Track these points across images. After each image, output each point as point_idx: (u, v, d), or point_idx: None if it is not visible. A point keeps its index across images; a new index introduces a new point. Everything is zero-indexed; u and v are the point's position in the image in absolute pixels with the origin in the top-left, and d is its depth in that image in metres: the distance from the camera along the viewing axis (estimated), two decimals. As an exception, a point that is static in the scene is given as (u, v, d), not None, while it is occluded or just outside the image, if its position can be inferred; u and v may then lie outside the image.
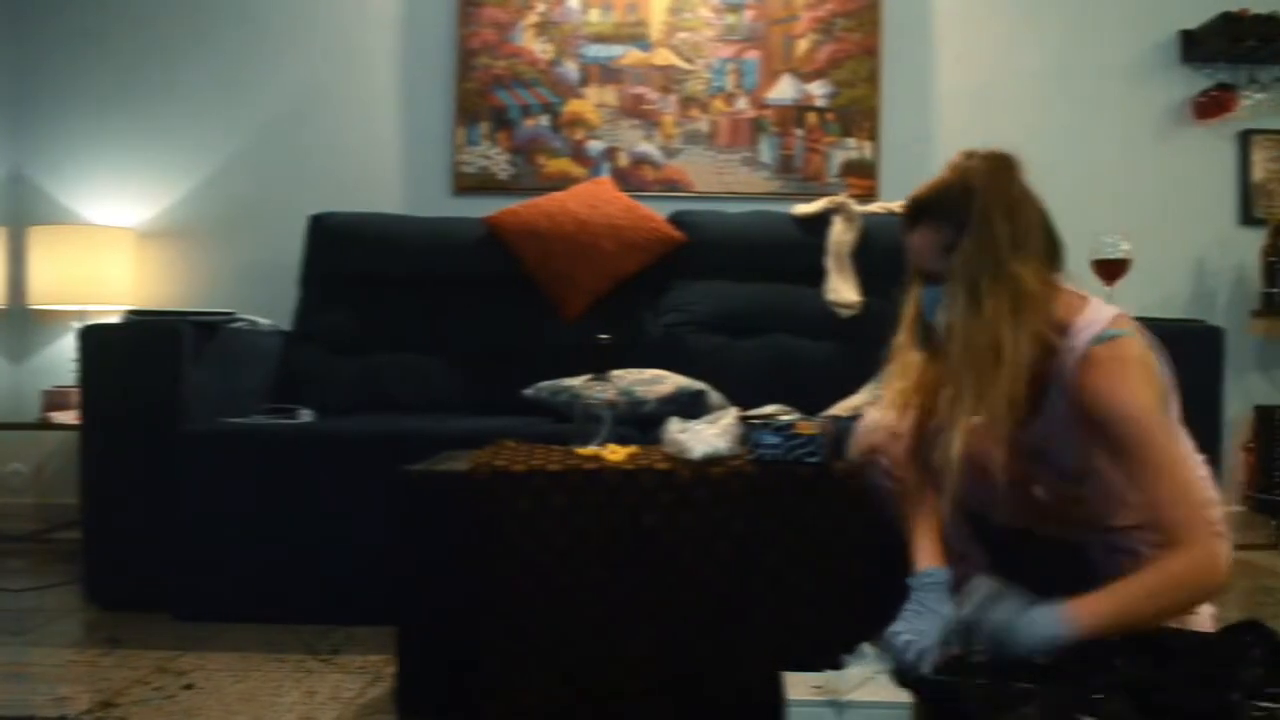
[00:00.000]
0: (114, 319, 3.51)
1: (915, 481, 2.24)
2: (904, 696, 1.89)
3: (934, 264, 2.08)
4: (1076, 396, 2.04)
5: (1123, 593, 1.94)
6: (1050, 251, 2.09)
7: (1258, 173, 4.62)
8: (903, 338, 2.23)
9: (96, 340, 3.25)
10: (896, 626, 2.04)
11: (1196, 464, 2.05)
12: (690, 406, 3.24)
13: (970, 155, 2.11)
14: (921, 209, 2.10)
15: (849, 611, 2.20)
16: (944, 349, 2.07)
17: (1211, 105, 4.55)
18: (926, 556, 2.14)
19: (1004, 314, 2.00)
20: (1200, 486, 2.02)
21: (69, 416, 3.97)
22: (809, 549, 2.20)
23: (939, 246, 2.06)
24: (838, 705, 1.88)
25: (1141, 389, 1.99)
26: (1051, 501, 2.29)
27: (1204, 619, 2.15)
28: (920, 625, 2.03)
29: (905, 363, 2.22)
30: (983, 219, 2.01)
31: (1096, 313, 2.08)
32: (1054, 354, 2.07)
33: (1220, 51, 4.52)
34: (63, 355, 4.44)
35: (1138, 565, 2.04)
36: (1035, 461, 2.23)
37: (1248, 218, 4.62)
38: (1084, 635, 1.85)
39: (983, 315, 2.00)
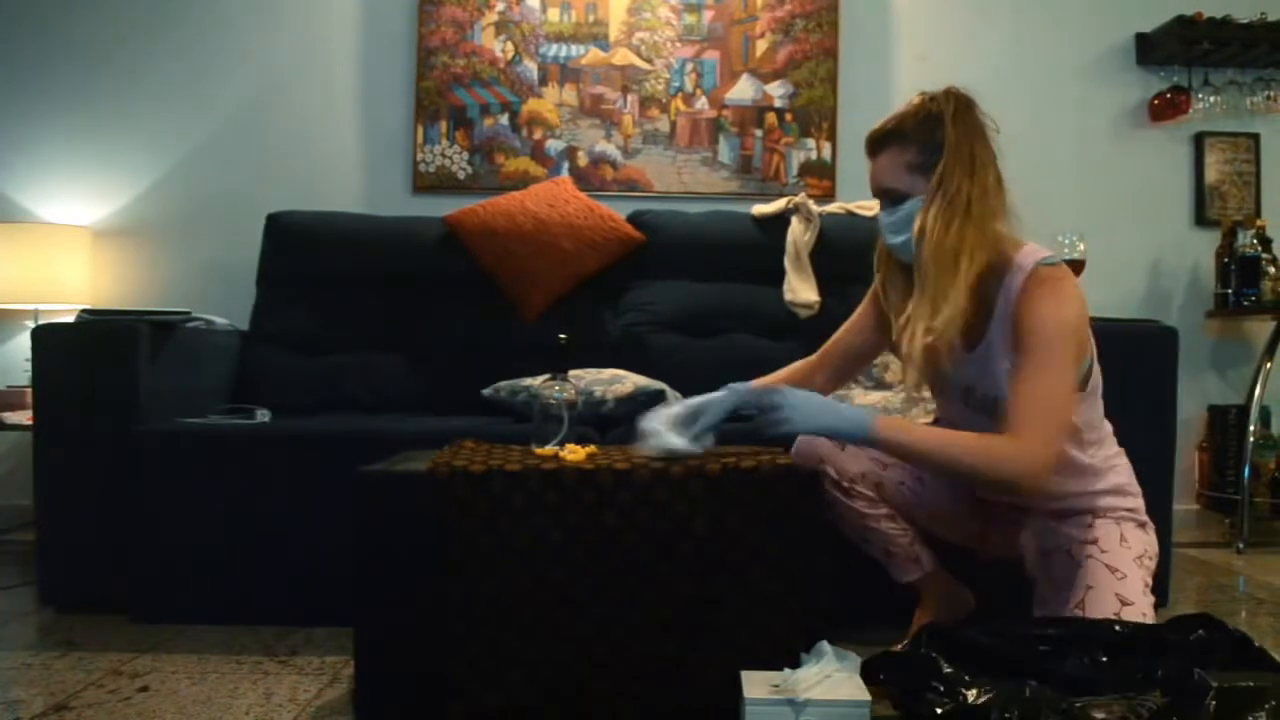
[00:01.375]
0: (69, 318, 3.48)
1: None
2: (863, 694, 1.90)
3: (897, 182, 2.24)
4: (1014, 311, 2.15)
5: (937, 434, 2.20)
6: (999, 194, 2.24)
7: (1212, 175, 4.68)
8: (877, 264, 2.47)
9: (51, 340, 3.22)
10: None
11: (1067, 403, 2.14)
12: (649, 406, 3.23)
13: (929, 93, 2.27)
14: (888, 133, 2.25)
15: (809, 610, 2.21)
16: (914, 255, 2.23)
17: (1166, 107, 4.59)
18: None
19: (971, 225, 2.15)
20: (1055, 409, 2.10)
21: (22, 417, 3.93)
22: (770, 548, 2.21)
23: (902, 165, 2.22)
24: (795, 704, 1.89)
25: (1066, 312, 2.11)
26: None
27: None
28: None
29: (890, 286, 2.44)
30: (961, 139, 2.19)
31: (1037, 249, 2.21)
32: (999, 278, 2.19)
33: (1175, 54, 4.58)
34: (16, 355, 4.40)
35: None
36: (966, 401, 2.34)
37: (1202, 219, 4.68)
38: (878, 440, 2.14)
39: (954, 223, 2.14)
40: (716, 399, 2.36)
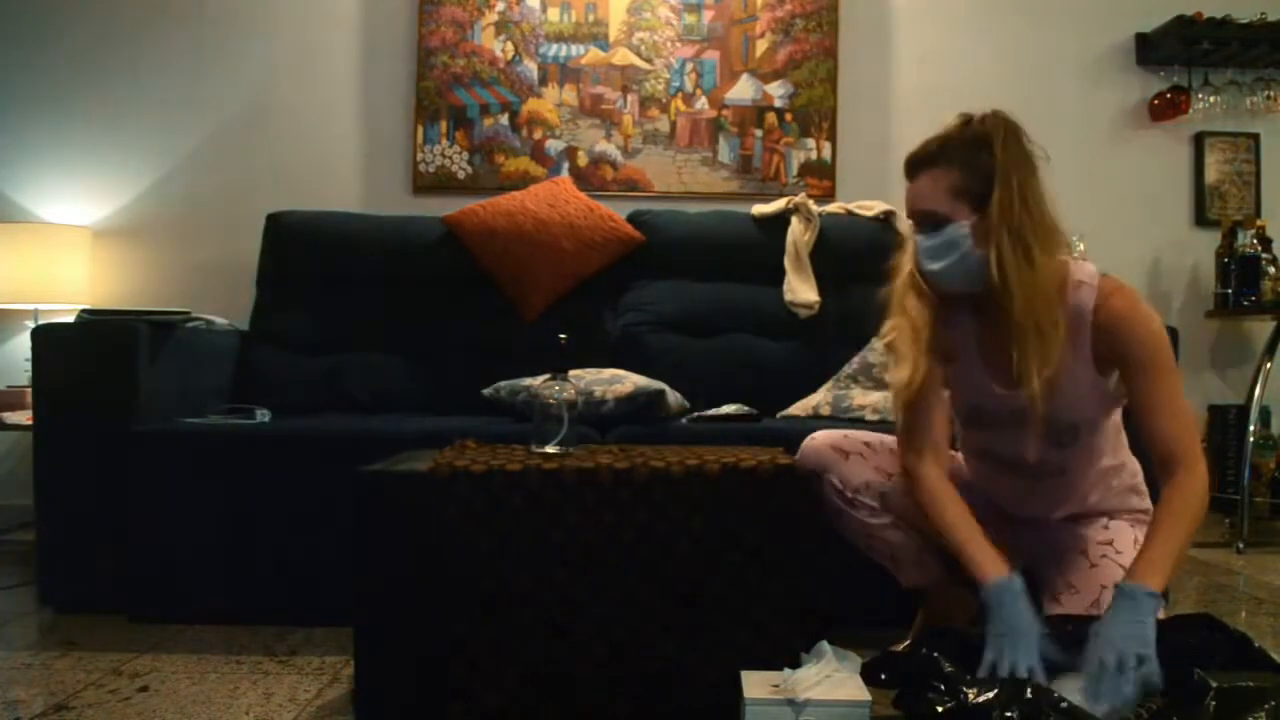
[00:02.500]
0: (69, 318, 3.48)
1: (939, 485, 2.32)
2: (863, 694, 1.90)
3: (938, 205, 2.16)
4: (1099, 324, 2.15)
5: (1166, 534, 2.04)
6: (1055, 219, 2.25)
7: (1211, 174, 4.68)
8: (901, 291, 2.32)
9: (50, 340, 3.21)
10: (988, 655, 2.00)
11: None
12: (649, 406, 3.24)
13: (972, 115, 2.21)
14: (931, 154, 2.19)
15: (809, 610, 2.21)
16: (995, 303, 2.17)
17: (1166, 107, 4.59)
18: (991, 564, 2.12)
19: (1052, 266, 2.14)
20: (1194, 417, 2.18)
21: (22, 417, 3.93)
22: (769, 548, 2.21)
23: (944, 189, 2.16)
24: (795, 704, 1.89)
25: (1155, 316, 2.15)
26: (1036, 469, 2.35)
27: None
28: (1012, 646, 2.01)
29: (910, 318, 2.29)
30: (1013, 167, 2.14)
31: (1080, 262, 2.23)
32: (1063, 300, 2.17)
33: (1175, 54, 4.57)
34: (16, 355, 4.40)
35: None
36: (1047, 434, 2.28)
37: (1202, 219, 4.68)
38: (1168, 593, 2.05)
39: (1036, 267, 2.11)
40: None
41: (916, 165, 2.21)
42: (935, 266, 2.20)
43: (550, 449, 2.39)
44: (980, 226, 2.14)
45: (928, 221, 2.19)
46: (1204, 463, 2.10)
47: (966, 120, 2.20)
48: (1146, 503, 2.35)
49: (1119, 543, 2.25)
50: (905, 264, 2.32)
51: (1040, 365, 2.11)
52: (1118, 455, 2.35)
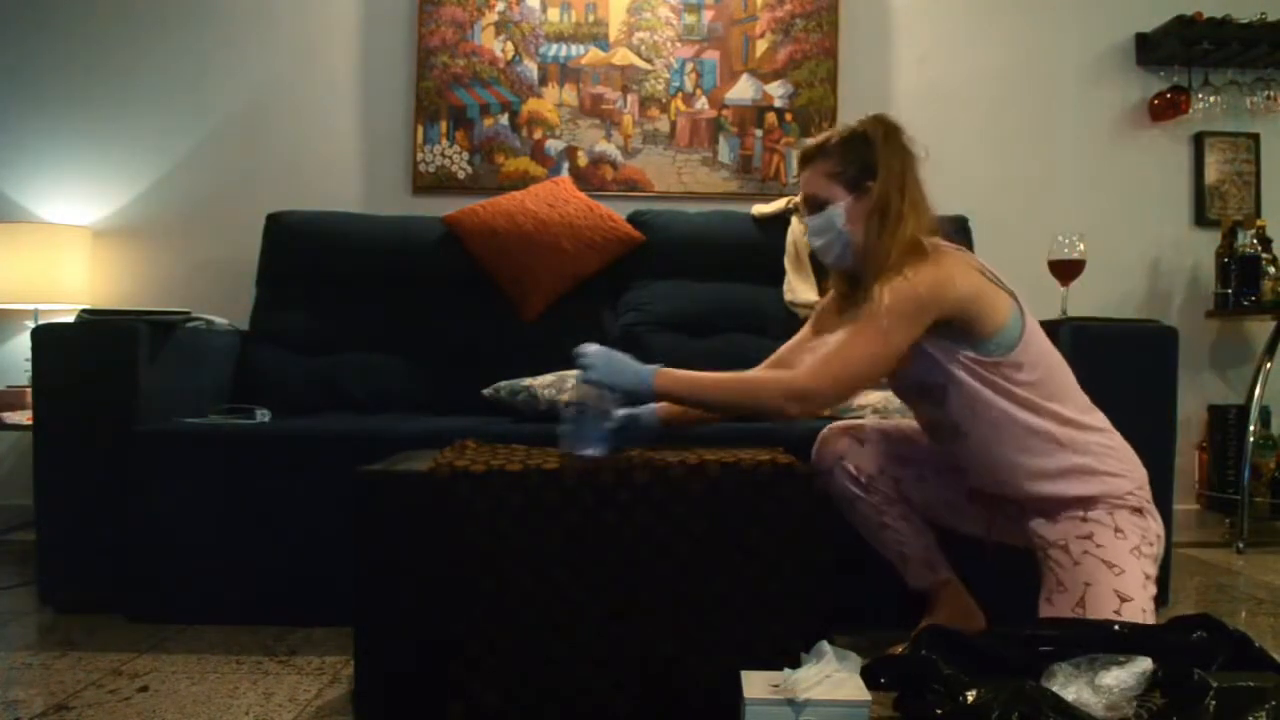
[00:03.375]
0: (69, 318, 3.48)
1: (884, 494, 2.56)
2: (863, 695, 1.90)
3: (819, 190, 2.43)
4: None
5: (714, 376, 2.37)
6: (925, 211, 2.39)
7: (1211, 174, 4.68)
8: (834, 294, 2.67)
9: (50, 339, 3.22)
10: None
11: (856, 356, 2.27)
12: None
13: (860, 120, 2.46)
14: (815, 148, 2.46)
15: (809, 610, 2.21)
16: (847, 266, 2.48)
17: (1166, 107, 4.59)
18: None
19: (904, 235, 2.30)
20: (848, 364, 2.26)
21: (22, 417, 3.93)
22: (769, 548, 2.21)
23: (823, 174, 2.42)
24: (795, 704, 1.89)
25: (914, 280, 2.24)
26: (937, 431, 2.51)
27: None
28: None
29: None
30: (892, 156, 2.38)
31: (944, 246, 2.37)
32: None
33: (1175, 54, 4.57)
34: (16, 355, 4.40)
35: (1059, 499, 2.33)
36: (920, 396, 2.47)
37: (1202, 219, 4.67)
38: (659, 393, 2.33)
39: (891, 242, 2.31)
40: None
41: (804, 159, 2.49)
42: (817, 243, 2.47)
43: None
44: (854, 209, 2.39)
45: (811, 205, 2.46)
46: (802, 392, 2.26)
47: (850, 124, 2.46)
48: (1130, 486, 2.32)
49: (1099, 535, 2.25)
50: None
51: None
52: (1030, 425, 2.32)
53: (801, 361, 2.46)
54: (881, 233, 2.32)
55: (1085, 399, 2.40)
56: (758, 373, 2.44)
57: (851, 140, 2.40)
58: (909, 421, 2.67)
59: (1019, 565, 2.41)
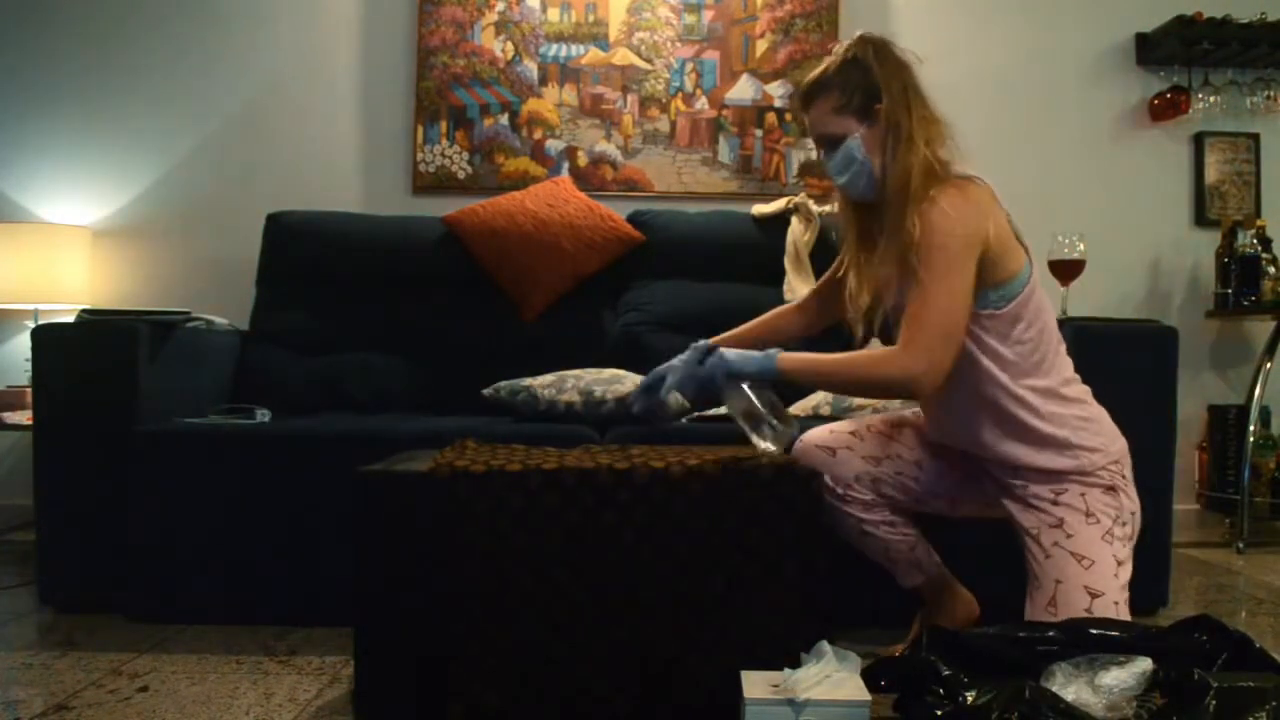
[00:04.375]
0: (69, 318, 3.48)
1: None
2: (863, 695, 1.90)
3: (830, 127, 2.37)
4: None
5: (832, 357, 2.30)
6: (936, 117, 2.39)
7: (1211, 174, 4.68)
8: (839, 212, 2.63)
9: (50, 339, 3.22)
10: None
11: (952, 310, 2.19)
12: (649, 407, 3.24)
13: (844, 42, 2.44)
14: (814, 85, 2.40)
15: (809, 610, 2.21)
16: (873, 197, 2.39)
17: (1166, 107, 4.59)
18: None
19: (917, 152, 2.27)
20: (941, 316, 2.18)
21: (22, 417, 3.93)
22: (769, 547, 2.21)
23: (830, 110, 2.37)
24: (795, 704, 1.89)
25: (958, 219, 2.18)
26: None
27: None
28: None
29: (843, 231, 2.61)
30: (892, 75, 2.35)
31: (965, 165, 2.33)
32: None
33: (1175, 54, 4.57)
34: (16, 355, 4.40)
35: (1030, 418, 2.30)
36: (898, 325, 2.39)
37: (1202, 219, 4.68)
38: (784, 374, 2.28)
39: (903, 154, 2.28)
40: (680, 360, 2.41)
41: (806, 99, 2.43)
42: (841, 180, 2.41)
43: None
44: (870, 136, 2.34)
45: (826, 144, 2.41)
46: (917, 360, 2.17)
47: (841, 47, 2.41)
48: (1104, 460, 2.29)
49: (1069, 523, 2.23)
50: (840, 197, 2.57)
51: (888, 256, 2.29)
52: (1008, 388, 2.30)
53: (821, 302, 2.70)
54: (897, 154, 2.28)
55: (1069, 367, 2.38)
56: (873, 352, 2.31)
57: (847, 68, 2.35)
58: (885, 416, 2.65)
59: (1012, 558, 2.41)
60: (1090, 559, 2.20)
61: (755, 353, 2.31)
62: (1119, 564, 2.22)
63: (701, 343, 2.40)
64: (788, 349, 2.33)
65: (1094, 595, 2.16)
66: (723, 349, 2.33)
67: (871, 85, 2.32)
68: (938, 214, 2.18)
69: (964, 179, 2.26)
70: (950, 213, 2.17)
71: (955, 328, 2.18)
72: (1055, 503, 2.27)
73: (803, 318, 2.80)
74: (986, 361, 2.29)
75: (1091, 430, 2.31)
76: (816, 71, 2.40)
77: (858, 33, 2.42)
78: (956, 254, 2.17)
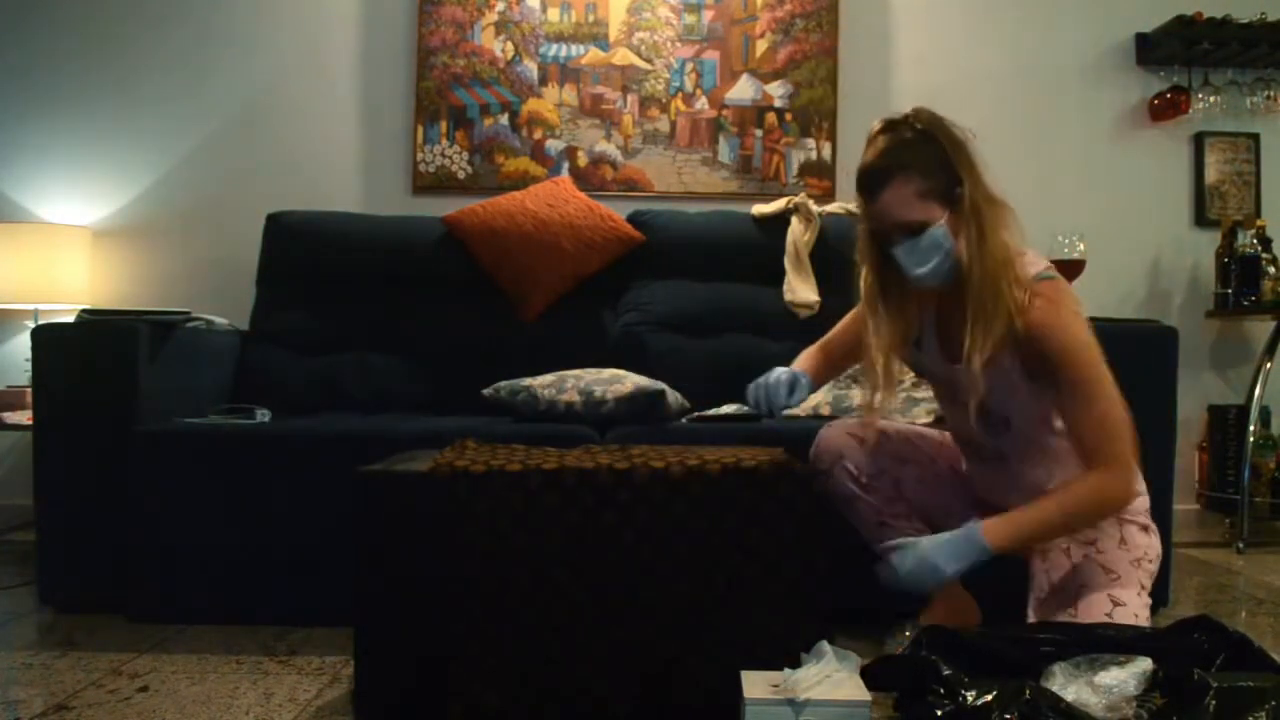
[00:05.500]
0: (69, 318, 3.48)
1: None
2: (863, 695, 1.90)
3: (913, 214, 2.19)
4: (1021, 331, 2.18)
5: (1038, 509, 2.16)
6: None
7: (1211, 175, 4.68)
8: (872, 304, 2.41)
9: (50, 339, 3.22)
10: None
11: (1125, 414, 2.16)
12: (649, 406, 3.24)
13: (894, 120, 2.26)
14: (888, 166, 2.20)
15: (809, 610, 2.21)
16: (955, 285, 2.25)
17: (1166, 107, 4.59)
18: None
19: (1001, 241, 2.18)
20: (1123, 423, 2.15)
21: (22, 417, 3.93)
22: (769, 548, 2.21)
23: (913, 195, 2.19)
24: (795, 704, 1.89)
25: (1080, 326, 2.16)
26: (980, 449, 2.45)
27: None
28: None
29: (880, 322, 2.40)
30: (962, 154, 2.20)
31: (1036, 255, 2.26)
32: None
33: (1175, 54, 4.57)
34: (16, 355, 4.40)
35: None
36: (980, 416, 2.33)
37: (1202, 219, 4.68)
38: (1001, 551, 2.13)
39: (989, 245, 2.17)
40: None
41: (878, 180, 2.22)
42: (922, 271, 2.24)
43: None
44: (952, 221, 2.21)
45: (904, 231, 2.22)
46: (1129, 472, 2.16)
47: (898, 123, 2.25)
48: (1139, 503, 2.34)
49: (1102, 543, 2.26)
50: (864, 264, 2.40)
51: (983, 343, 2.19)
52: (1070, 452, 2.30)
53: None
54: (982, 239, 2.18)
55: None
56: (1079, 486, 2.17)
57: (920, 146, 2.21)
58: (908, 425, 2.66)
59: (1014, 564, 2.41)
60: (1117, 574, 2.21)
61: (956, 537, 2.17)
62: (1142, 588, 2.23)
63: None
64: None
65: (1117, 604, 2.16)
66: (919, 543, 2.20)
67: (949, 165, 2.20)
68: (1069, 316, 2.18)
69: (1052, 280, 2.22)
70: (1074, 322, 2.17)
71: (1129, 425, 2.16)
72: (1094, 526, 2.28)
73: (824, 371, 2.71)
74: (1055, 440, 2.33)
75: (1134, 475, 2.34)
76: (882, 151, 2.23)
77: (911, 108, 2.27)
78: (1094, 354, 2.17)
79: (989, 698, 1.80)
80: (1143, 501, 2.35)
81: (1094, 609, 2.16)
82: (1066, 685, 1.86)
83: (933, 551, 2.15)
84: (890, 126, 2.25)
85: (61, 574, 3.18)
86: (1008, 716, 1.74)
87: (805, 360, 2.63)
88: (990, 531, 2.13)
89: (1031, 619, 2.26)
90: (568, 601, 2.19)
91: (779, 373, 2.44)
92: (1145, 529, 2.32)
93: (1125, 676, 1.85)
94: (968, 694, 1.83)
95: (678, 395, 3.41)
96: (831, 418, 3.29)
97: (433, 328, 3.98)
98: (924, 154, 2.19)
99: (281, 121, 4.58)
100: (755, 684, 1.95)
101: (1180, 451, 3.38)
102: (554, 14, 4.56)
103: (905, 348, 2.46)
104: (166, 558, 3.06)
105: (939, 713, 1.83)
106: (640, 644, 2.19)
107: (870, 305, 2.41)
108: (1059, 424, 2.29)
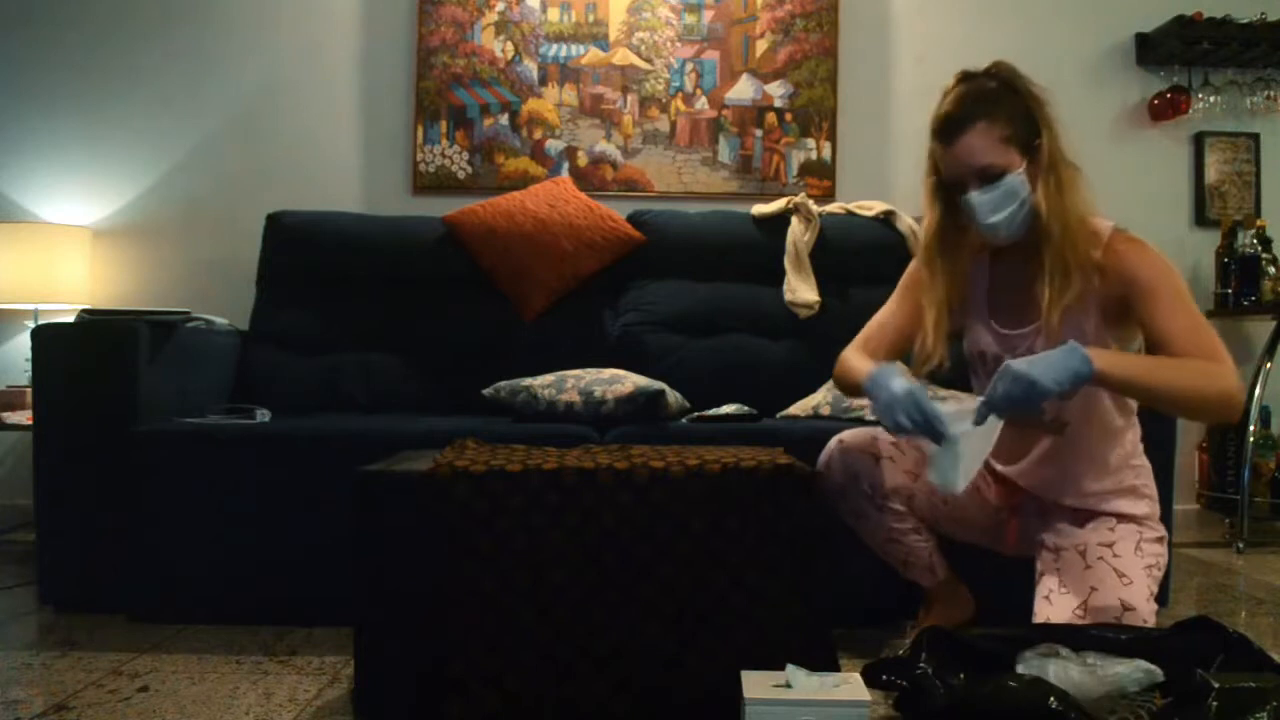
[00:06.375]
0: (69, 318, 3.48)
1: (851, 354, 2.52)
2: (863, 694, 1.90)
3: (994, 158, 2.21)
4: (1105, 267, 2.20)
5: (1150, 360, 2.15)
6: None
7: (1211, 174, 4.68)
8: (930, 254, 2.42)
9: (50, 339, 3.22)
10: (885, 424, 2.21)
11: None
12: (649, 406, 3.24)
13: (973, 72, 2.30)
14: (971, 110, 2.22)
15: (809, 610, 2.21)
16: (1033, 237, 2.26)
17: (1166, 107, 4.59)
18: (867, 366, 2.33)
19: (1081, 197, 2.24)
20: (1216, 335, 2.14)
21: (22, 417, 3.93)
22: (769, 548, 2.21)
23: (996, 139, 2.21)
24: (795, 704, 1.89)
25: (1165, 259, 2.20)
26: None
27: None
28: (890, 410, 2.16)
29: (935, 275, 2.41)
30: (1043, 110, 2.26)
31: (1105, 219, 2.29)
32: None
33: (1175, 54, 4.57)
34: (16, 354, 4.40)
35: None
36: None
37: (1202, 219, 4.68)
38: (1103, 375, 2.02)
39: (1069, 201, 2.21)
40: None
41: (959, 124, 2.22)
42: (997, 219, 2.24)
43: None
44: (1030, 170, 2.23)
45: (983, 176, 2.22)
46: (1234, 371, 2.09)
47: (978, 75, 2.29)
48: (1153, 509, 2.34)
49: (1119, 547, 2.25)
50: (928, 216, 2.41)
51: (1063, 295, 2.19)
52: (1121, 435, 2.34)
53: (885, 340, 2.53)
54: (1061, 193, 2.21)
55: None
56: (1191, 362, 2.09)
57: (1007, 94, 2.24)
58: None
59: (1016, 564, 2.41)
60: (1130, 578, 2.20)
61: (1051, 352, 2.05)
62: (1151, 594, 2.22)
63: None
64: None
65: (1127, 608, 2.15)
66: (1008, 364, 2.06)
67: (1031, 116, 2.24)
68: (1151, 252, 2.20)
69: (1125, 231, 2.27)
70: (1155, 253, 2.20)
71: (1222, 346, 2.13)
72: (1112, 529, 2.29)
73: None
74: (1108, 400, 2.32)
75: (1145, 470, 2.38)
76: (963, 96, 2.25)
77: (993, 61, 2.31)
78: (1184, 283, 2.19)
79: (989, 698, 1.80)
80: (1156, 507, 2.35)
81: (1105, 610, 2.15)
82: (1066, 676, 1.86)
83: (1028, 368, 2.01)
84: (969, 77, 2.29)
85: (62, 574, 3.18)
86: (1006, 716, 1.74)
87: (867, 361, 2.44)
88: (1093, 351, 2.03)
89: (1037, 619, 2.24)
90: (567, 601, 2.19)
91: (900, 387, 2.18)
92: (1160, 539, 2.32)
93: (1125, 675, 1.85)
94: (967, 694, 1.83)
95: (678, 395, 3.41)
96: (832, 418, 3.30)
97: (433, 328, 3.98)
98: (1007, 102, 2.23)
99: (281, 121, 4.58)
100: (755, 684, 1.95)
101: (1180, 451, 3.37)
102: (554, 14, 4.56)
103: (956, 312, 2.45)
104: (166, 558, 3.06)
105: (938, 711, 1.83)
106: (640, 644, 2.19)
107: (928, 259, 2.42)
108: (1129, 403, 2.32)
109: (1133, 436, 2.37)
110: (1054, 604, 2.23)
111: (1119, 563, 2.22)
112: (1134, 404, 2.35)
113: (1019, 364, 2.02)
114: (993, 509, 2.50)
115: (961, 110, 2.22)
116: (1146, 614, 2.16)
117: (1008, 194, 2.21)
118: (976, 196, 2.23)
